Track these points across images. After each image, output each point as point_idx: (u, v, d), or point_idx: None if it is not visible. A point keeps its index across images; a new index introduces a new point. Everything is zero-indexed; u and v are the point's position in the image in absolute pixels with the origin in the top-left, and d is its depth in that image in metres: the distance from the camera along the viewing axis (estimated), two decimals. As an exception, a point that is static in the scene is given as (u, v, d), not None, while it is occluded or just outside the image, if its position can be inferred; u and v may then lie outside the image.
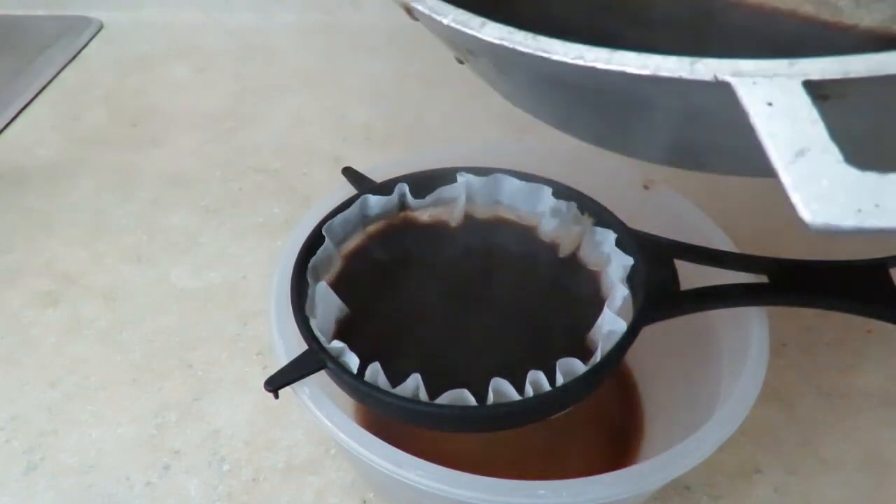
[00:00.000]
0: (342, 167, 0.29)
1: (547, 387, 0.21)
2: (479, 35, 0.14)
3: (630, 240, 0.25)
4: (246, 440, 0.32)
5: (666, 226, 0.26)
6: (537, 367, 0.21)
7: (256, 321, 0.38)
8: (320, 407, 0.22)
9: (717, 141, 0.15)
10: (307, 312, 0.23)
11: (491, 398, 0.21)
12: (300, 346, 0.22)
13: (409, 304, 0.26)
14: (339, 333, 0.24)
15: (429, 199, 0.27)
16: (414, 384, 0.21)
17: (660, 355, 0.30)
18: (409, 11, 0.18)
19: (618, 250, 0.24)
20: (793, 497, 0.30)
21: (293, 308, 0.23)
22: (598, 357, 0.22)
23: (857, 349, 0.35)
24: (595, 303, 0.24)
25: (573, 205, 0.26)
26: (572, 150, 0.29)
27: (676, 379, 0.29)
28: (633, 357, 0.32)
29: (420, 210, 0.28)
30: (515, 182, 0.27)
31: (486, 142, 0.43)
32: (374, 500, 0.30)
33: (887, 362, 0.35)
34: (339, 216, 0.26)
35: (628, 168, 0.30)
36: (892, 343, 0.35)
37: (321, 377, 0.22)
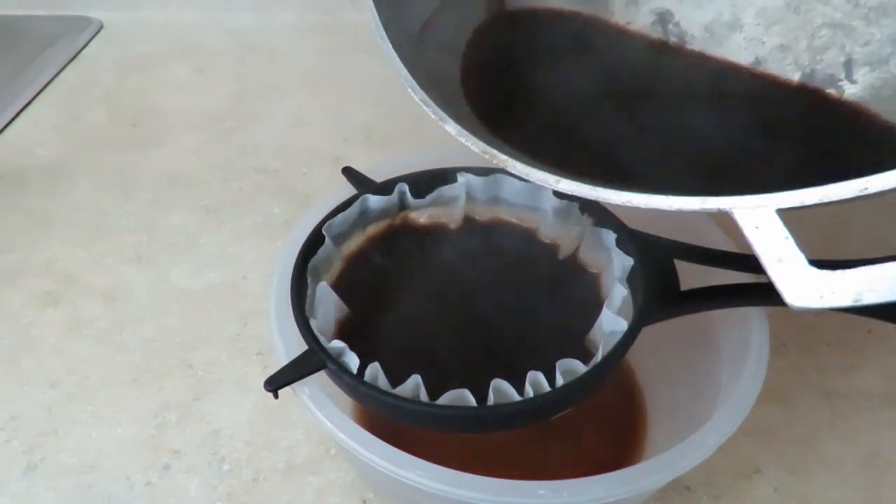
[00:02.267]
0: (342, 167, 0.29)
1: (547, 387, 0.21)
2: (558, 188, 0.17)
3: (630, 240, 0.25)
4: (246, 440, 0.32)
5: (666, 226, 0.26)
6: (537, 368, 0.21)
7: (256, 321, 0.38)
8: (320, 407, 0.22)
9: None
10: (307, 312, 0.23)
11: (491, 399, 0.21)
12: (300, 346, 0.22)
13: (410, 304, 0.26)
14: (339, 333, 0.24)
15: (429, 198, 0.27)
16: (414, 384, 0.21)
17: (660, 355, 0.30)
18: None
19: (618, 250, 0.24)
20: (793, 497, 0.30)
21: (293, 308, 0.23)
22: (598, 357, 0.22)
23: (857, 349, 0.35)
24: (595, 303, 0.24)
25: (574, 205, 0.26)
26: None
27: (676, 379, 0.29)
28: (633, 357, 0.33)
29: (420, 210, 0.28)
30: (516, 182, 0.27)
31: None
32: (374, 500, 0.30)
33: (887, 362, 0.35)
34: (339, 216, 0.26)
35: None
36: (892, 343, 0.35)
37: (321, 377, 0.22)
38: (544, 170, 0.17)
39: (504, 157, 0.18)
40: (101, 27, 0.66)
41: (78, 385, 0.35)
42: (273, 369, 0.22)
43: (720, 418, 0.22)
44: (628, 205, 0.16)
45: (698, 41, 0.25)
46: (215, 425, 0.33)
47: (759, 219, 0.15)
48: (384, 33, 0.21)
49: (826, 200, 0.14)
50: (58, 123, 0.54)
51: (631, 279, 0.24)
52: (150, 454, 0.32)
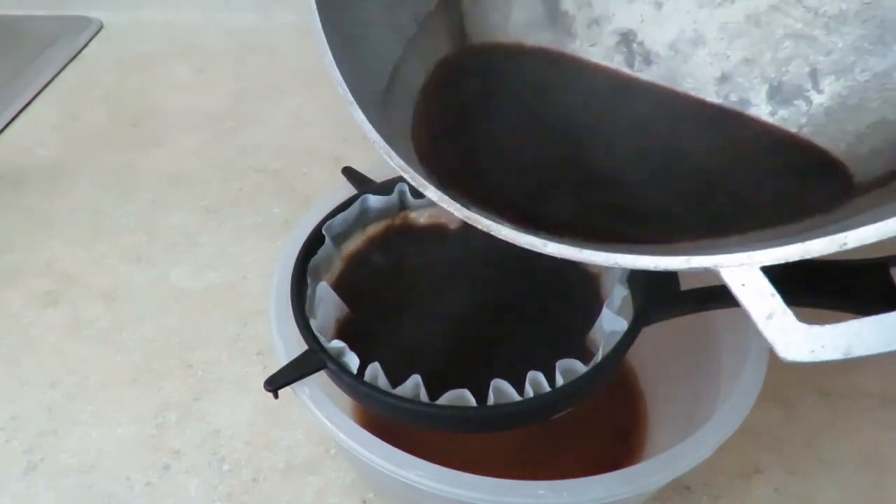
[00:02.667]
0: (342, 167, 0.29)
1: (547, 387, 0.21)
2: (546, 251, 0.17)
3: None
4: (246, 440, 0.32)
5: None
6: (537, 368, 0.21)
7: (256, 321, 0.38)
8: (320, 407, 0.22)
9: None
10: (307, 312, 0.23)
11: (491, 399, 0.21)
12: (300, 346, 0.22)
13: (410, 304, 0.26)
14: (339, 333, 0.24)
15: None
16: (414, 384, 0.21)
17: (660, 355, 0.30)
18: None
19: (618, 250, 0.24)
20: (793, 497, 0.30)
21: (293, 308, 0.23)
22: (598, 357, 0.22)
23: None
24: (595, 303, 0.24)
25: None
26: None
27: (676, 379, 0.29)
28: (633, 357, 0.33)
29: (420, 210, 0.28)
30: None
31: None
32: (374, 500, 0.30)
33: (887, 362, 0.35)
34: (339, 216, 0.26)
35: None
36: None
37: (321, 377, 0.22)
38: (531, 234, 0.18)
39: (488, 222, 0.18)
40: (101, 27, 0.66)
41: (78, 385, 0.35)
42: (273, 369, 0.22)
43: (720, 418, 0.22)
44: (615, 266, 0.17)
45: (664, 59, 0.25)
46: (215, 425, 0.33)
47: (745, 277, 0.15)
48: (352, 100, 0.20)
49: (808, 256, 0.14)
50: (58, 123, 0.54)
51: (631, 279, 0.24)
52: (150, 454, 0.32)
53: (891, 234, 0.14)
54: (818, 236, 0.14)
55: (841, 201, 0.20)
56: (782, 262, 0.15)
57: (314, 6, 0.20)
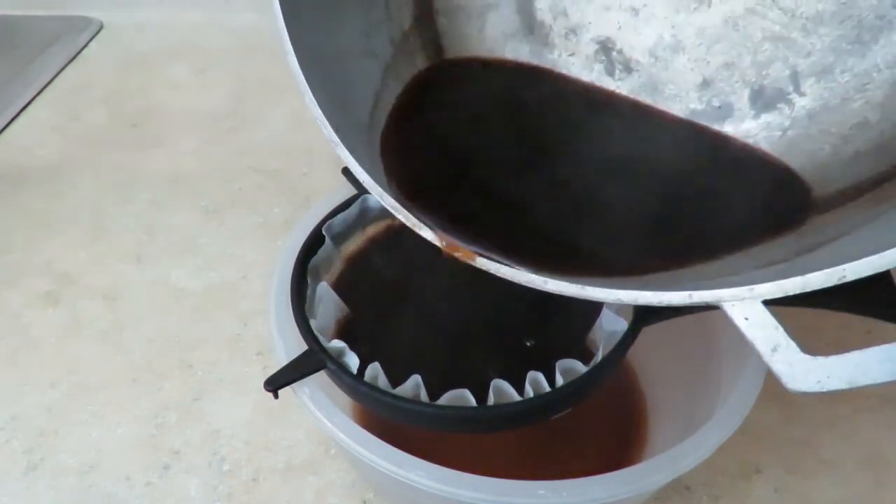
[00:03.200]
0: (342, 167, 0.29)
1: (547, 387, 0.21)
2: (546, 289, 0.18)
3: None
4: (246, 440, 0.32)
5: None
6: (538, 368, 0.21)
7: (256, 321, 0.38)
8: (320, 407, 0.22)
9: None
10: (307, 312, 0.23)
11: (491, 399, 0.21)
12: (300, 346, 0.22)
13: (410, 304, 0.26)
14: (340, 333, 0.24)
15: (429, 198, 0.27)
16: (414, 384, 0.21)
17: (660, 356, 0.30)
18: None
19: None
20: (793, 497, 0.30)
21: (293, 308, 0.23)
22: (598, 357, 0.22)
23: (857, 349, 0.35)
24: (595, 303, 0.24)
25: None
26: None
27: (676, 379, 0.29)
28: (633, 357, 0.33)
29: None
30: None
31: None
32: (374, 500, 0.30)
33: (887, 362, 0.35)
34: (339, 216, 0.26)
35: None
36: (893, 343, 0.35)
37: (321, 377, 0.22)
38: (532, 272, 0.18)
39: (490, 263, 0.18)
40: (101, 27, 0.66)
41: (78, 385, 0.35)
42: (273, 369, 0.22)
43: (720, 418, 0.22)
44: (617, 303, 0.17)
45: (644, 67, 0.25)
46: (215, 425, 0.33)
47: (747, 311, 0.15)
48: (337, 139, 0.20)
49: (808, 289, 0.15)
50: (58, 123, 0.54)
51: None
52: (150, 454, 0.32)
53: (891, 266, 0.14)
54: (818, 267, 0.15)
55: (806, 215, 0.20)
56: (782, 295, 0.15)
57: (289, 47, 0.20)
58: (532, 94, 0.25)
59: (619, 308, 0.23)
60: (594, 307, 0.24)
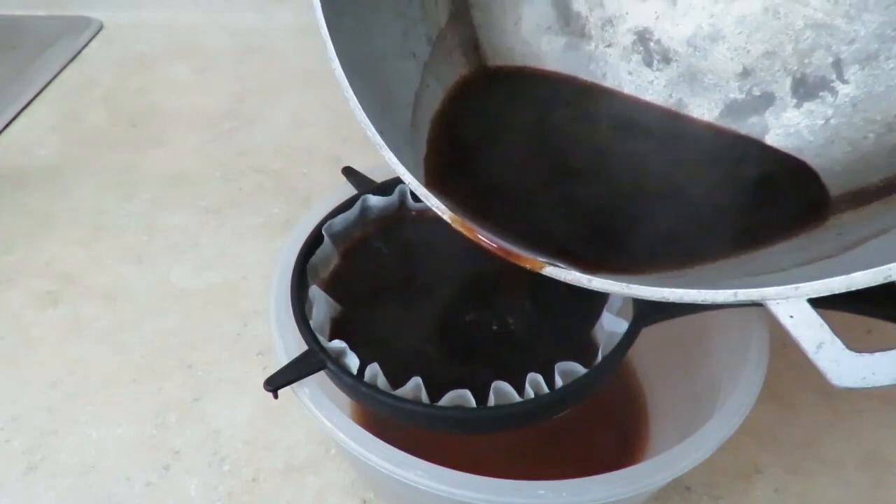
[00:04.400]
0: (342, 167, 0.29)
1: (546, 389, 0.21)
2: (591, 286, 0.18)
3: None
4: (246, 440, 0.32)
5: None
6: (538, 369, 0.21)
7: (256, 321, 0.38)
8: (320, 407, 0.22)
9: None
10: (307, 313, 0.23)
11: (492, 400, 0.21)
12: (300, 346, 0.22)
13: (410, 305, 0.26)
14: (340, 334, 0.24)
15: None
16: (414, 385, 0.21)
17: (660, 356, 0.30)
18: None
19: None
20: (793, 497, 0.30)
21: (293, 308, 0.23)
22: (598, 358, 0.22)
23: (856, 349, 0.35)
24: (595, 304, 0.24)
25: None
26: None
27: (676, 379, 0.29)
28: (633, 357, 0.33)
29: (420, 210, 0.28)
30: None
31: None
32: (374, 500, 0.30)
33: (887, 362, 0.35)
34: (339, 216, 0.26)
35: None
36: (893, 343, 0.35)
37: (321, 377, 0.22)
38: (578, 271, 0.18)
39: (542, 260, 0.18)
40: (101, 27, 0.66)
41: (78, 385, 0.35)
42: (273, 369, 0.22)
43: (720, 418, 0.22)
44: (662, 300, 0.17)
45: (683, 57, 0.24)
46: (215, 425, 0.33)
47: (792, 309, 0.15)
48: (382, 142, 0.20)
49: (854, 288, 0.15)
50: (58, 123, 0.54)
51: (631, 279, 0.24)
52: (150, 454, 0.32)
53: None
54: (862, 266, 0.14)
55: (844, 207, 0.20)
56: (827, 293, 0.15)
57: (333, 54, 0.20)
58: (577, 105, 0.26)
59: (619, 309, 0.23)
60: (595, 309, 0.24)
